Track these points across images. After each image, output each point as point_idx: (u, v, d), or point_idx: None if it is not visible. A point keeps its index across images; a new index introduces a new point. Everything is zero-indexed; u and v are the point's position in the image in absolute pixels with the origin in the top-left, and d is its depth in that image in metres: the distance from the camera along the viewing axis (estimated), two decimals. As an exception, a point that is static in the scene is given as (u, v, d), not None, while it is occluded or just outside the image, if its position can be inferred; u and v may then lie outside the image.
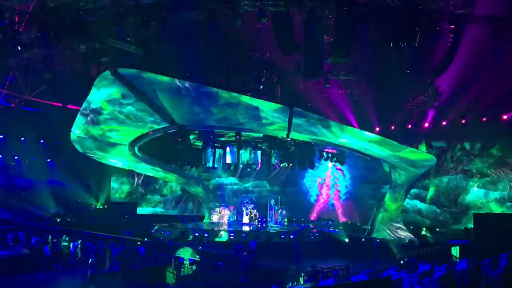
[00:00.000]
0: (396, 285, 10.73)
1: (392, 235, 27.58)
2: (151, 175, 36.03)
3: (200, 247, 23.58)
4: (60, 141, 32.52)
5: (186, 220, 35.13)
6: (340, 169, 37.47)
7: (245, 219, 35.51)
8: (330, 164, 36.20)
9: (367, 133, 24.31)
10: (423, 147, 30.57)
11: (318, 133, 24.77)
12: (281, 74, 26.78)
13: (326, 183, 38.45)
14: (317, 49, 17.09)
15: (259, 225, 33.82)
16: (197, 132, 28.24)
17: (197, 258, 20.15)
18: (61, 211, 34.69)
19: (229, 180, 39.22)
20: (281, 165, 35.77)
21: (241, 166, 35.30)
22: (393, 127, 30.08)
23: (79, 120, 23.84)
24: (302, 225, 33.63)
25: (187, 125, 25.45)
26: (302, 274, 17.76)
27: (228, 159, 32.39)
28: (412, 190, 30.25)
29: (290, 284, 16.26)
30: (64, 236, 24.04)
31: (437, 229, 29.83)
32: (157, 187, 39.37)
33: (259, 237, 27.14)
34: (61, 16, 17.82)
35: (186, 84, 21.35)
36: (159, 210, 39.15)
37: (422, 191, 31.93)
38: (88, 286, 16.99)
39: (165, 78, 20.86)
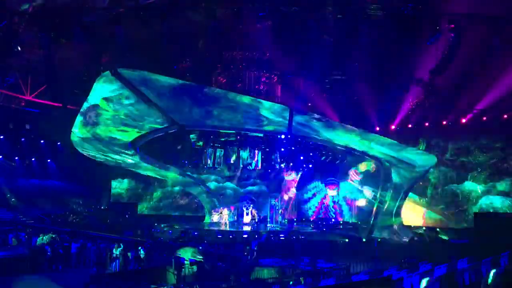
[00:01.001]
0: (397, 284, 10.73)
1: (393, 235, 27.55)
2: (151, 175, 36.05)
3: (200, 247, 23.60)
4: (61, 141, 32.57)
5: (187, 220, 35.17)
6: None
7: (246, 219, 35.50)
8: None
9: (368, 133, 24.35)
10: (422, 147, 30.53)
11: (319, 133, 24.80)
12: (281, 74, 26.82)
13: (326, 183, 38.35)
14: (318, 49, 17.15)
15: (259, 224, 33.81)
16: (197, 132, 28.26)
17: (198, 258, 20.13)
18: (61, 212, 34.71)
19: (229, 180, 39.14)
20: (282, 166, 35.86)
21: (242, 166, 35.34)
22: (393, 127, 30.10)
23: (79, 120, 23.85)
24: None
25: (187, 125, 25.46)
26: (303, 274, 17.78)
27: (229, 159, 32.43)
28: (413, 189, 30.20)
29: (291, 283, 16.25)
30: (65, 236, 24.06)
31: (437, 229, 29.82)
32: (157, 187, 39.33)
33: (260, 237, 27.13)
34: (61, 16, 17.86)
35: (186, 85, 21.36)
36: (159, 210, 39.08)
37: (422, 190, 31.87)
38: (89, 287, 16.98)
39: (165, 78, 20.86)
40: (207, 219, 36.60)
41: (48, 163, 36.57)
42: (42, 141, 34.71)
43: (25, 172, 35.67)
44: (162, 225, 31.77)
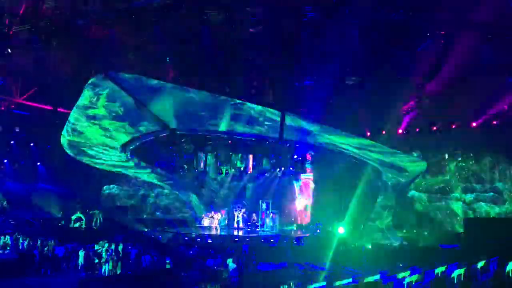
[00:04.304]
0: (387, 289, 10.76)
1: (383, 239, 27.62)
2: (142, 178, 35.84)
3: (191, 251, 23.51)
4: (50, 145, 32.30)
5: (178, 224, 35.00)
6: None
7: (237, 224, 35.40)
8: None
9: (359, 138, 24.43)
10: (415, 154, 30.46)
11: (313, 138, 24.87)
12: (273, 78, 26.81)
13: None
14: (309, 54, 17.21)
15: (250, 229, 33.77)
16: (188, 136, 28.20)
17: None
18: (50, 216, 34.38)
19: (220, 184, 39.00)
20: (274, 169, 35.84)
21: (233, 170, 35.28)
22: (383, 132, 30.11)
23: (70, 123, 23.69)
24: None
25: (179, 129, 25.39)
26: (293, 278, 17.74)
27: (220, 164, 32.36)
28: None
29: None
30: (54, 240, 23.81)
31: (425, 233, 29.88)
32: (148, 191, 39.07)
33: (251, 241, 27.08)
34: (53, 19, 17.78)
35: (177, 88, 21.34)
36: (150, 214, 38.82)
37: (412, 195, 31.93)
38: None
39: (155, 82, 20.81)
40: (198, 223, 36.46)
41: (38, 166, 36.25)
42: (32, 144, 34.41)
43: (15, 175, 35.34)
44: (153, 229, 31.58)
